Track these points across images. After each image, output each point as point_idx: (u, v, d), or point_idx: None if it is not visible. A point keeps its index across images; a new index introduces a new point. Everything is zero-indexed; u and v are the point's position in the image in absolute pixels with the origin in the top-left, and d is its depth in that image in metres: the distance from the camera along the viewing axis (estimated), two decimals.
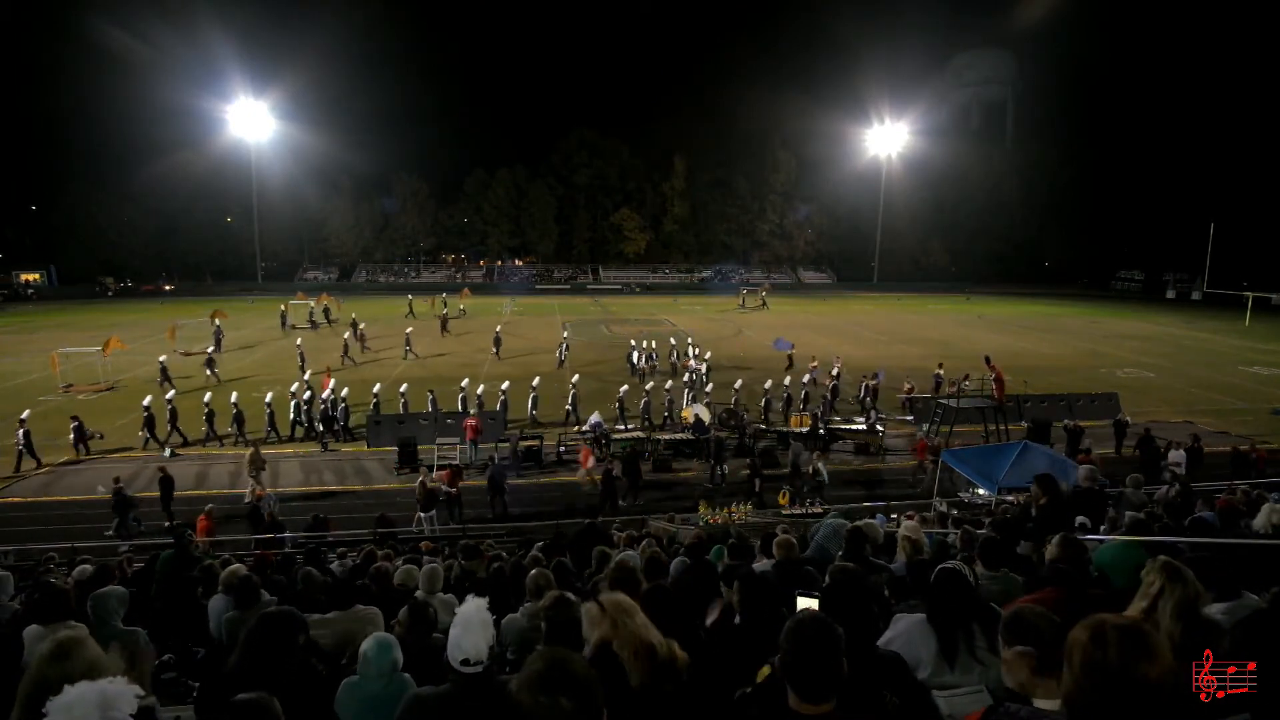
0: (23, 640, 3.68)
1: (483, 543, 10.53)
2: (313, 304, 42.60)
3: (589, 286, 72.58)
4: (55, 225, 64.80)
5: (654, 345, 28.52)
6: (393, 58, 78.08)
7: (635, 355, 26.84)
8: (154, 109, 61.27)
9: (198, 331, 34.52)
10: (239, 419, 18.94)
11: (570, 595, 3.04)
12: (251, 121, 64.29)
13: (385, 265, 76.22)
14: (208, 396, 19.81)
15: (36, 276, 62.19)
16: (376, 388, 21.21)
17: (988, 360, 19.36)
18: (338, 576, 6.77)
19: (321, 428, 19.35)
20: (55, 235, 64.72)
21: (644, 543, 8.19)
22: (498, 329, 34.83)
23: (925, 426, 20.26)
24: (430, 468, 15.76)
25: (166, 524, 13.93)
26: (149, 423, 18.49)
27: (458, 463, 16.74)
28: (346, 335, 31.51)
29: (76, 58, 61.08)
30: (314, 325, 39.84)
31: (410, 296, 48.17)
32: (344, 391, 20.60)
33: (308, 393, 20.55)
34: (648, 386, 21.65)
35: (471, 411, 19.69)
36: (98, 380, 25.16)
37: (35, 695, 2.10)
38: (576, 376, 22.31)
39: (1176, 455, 16.00)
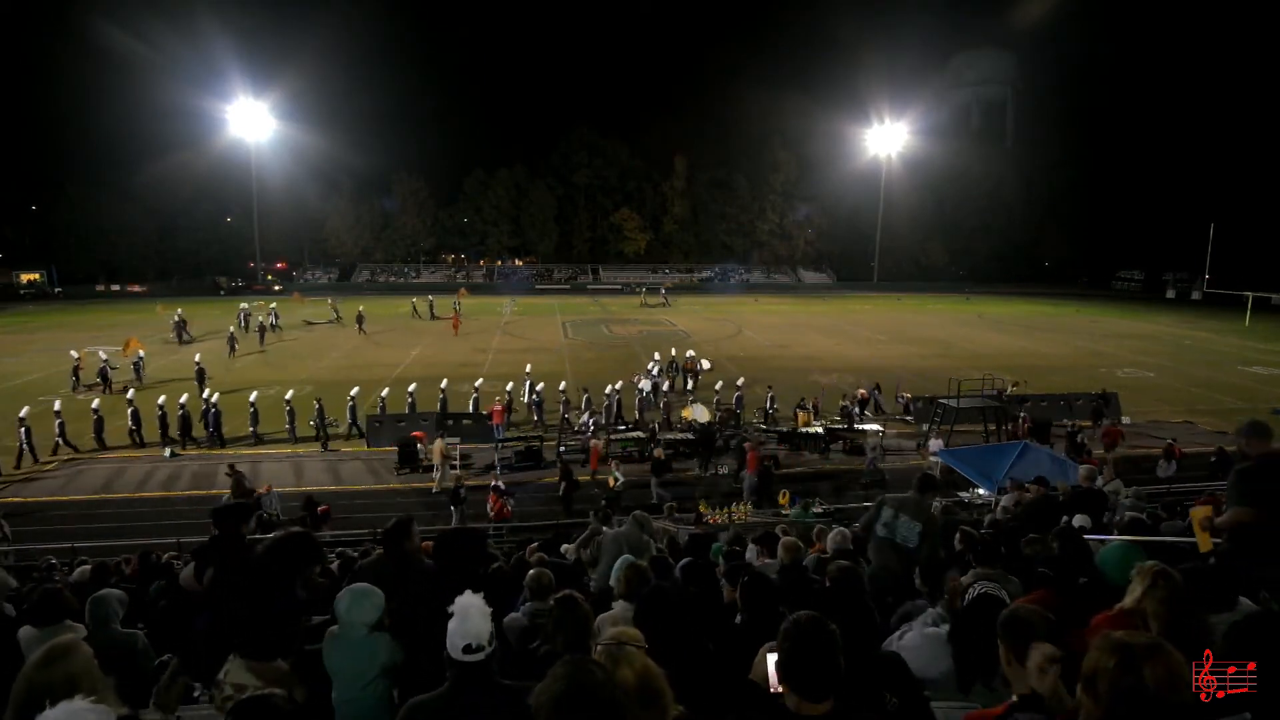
0: (18, 642, 3.67)
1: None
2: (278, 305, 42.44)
3: (589, 286, 72.53)
4: (55, 225, 64.62)
5: (659, 355, 28.38)
6: (393, 58, 77.91)
7: (655, 368, 26.62)
8: (154, 109, 61.13)
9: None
10: (255, 418, 19.40)
11: (577, 594, 3.04)
12: (251, 121, 64.09)
13: (385, 265, 76.15)
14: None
15: (36, 276, 62.16)
16: (354, 390, 20.88)
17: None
18: (336, 576, 6.75)
19: (180, 433, 18.87)
20: (55, 235, 64.55)
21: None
22: (360, 309, 37.11)
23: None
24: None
25: None
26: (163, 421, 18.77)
27: (504, 488, 15.00)
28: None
29: (76, 58, 60.86)
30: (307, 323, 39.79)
31: (431, 297, 48.20)
32: (214, 397, 19.68)
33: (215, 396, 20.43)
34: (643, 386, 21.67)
35: (498, 402, 19.91)
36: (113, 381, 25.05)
37: (26, 702, 2.11)
38: (563, 384, 21.98)
39: None
